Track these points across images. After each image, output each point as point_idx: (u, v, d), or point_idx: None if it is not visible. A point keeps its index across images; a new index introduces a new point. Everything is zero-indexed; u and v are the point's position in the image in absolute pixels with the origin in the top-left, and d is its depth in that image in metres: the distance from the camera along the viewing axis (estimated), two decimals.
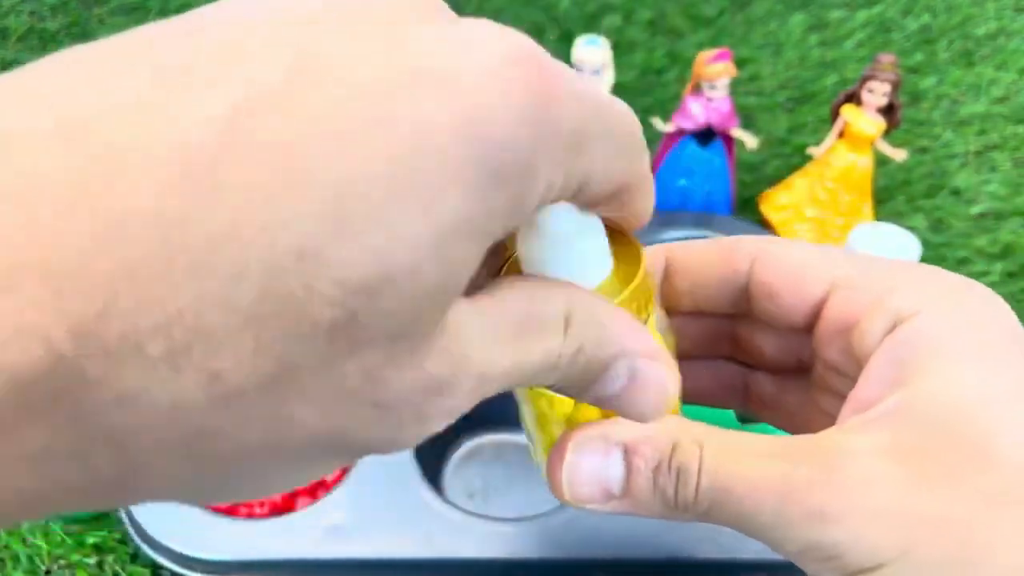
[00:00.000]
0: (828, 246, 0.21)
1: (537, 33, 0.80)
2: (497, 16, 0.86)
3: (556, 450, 0.19)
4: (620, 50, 0.78)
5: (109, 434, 0.11)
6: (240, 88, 0.11)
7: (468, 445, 0.46)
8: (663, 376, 0.16)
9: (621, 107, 0.15)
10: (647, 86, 0.74)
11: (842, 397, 0.19)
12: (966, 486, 0.17)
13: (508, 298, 0.14)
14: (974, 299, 0.19)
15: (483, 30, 0.13)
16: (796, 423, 0.23)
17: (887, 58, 0.52)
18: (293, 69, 0.11)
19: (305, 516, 0.39)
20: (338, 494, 0.39)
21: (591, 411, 0.19)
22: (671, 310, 0.22)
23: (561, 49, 0.77)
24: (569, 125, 0.13)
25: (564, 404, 0.19)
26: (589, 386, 0.16)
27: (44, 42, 0.75)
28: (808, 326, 0.21)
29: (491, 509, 0.43)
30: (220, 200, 0.11)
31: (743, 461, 0.18)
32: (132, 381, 0.11)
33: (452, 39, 0.13)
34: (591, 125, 0.14)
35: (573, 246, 0.16)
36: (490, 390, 0.14)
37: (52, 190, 0.10)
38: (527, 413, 0.21)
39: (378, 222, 0.11)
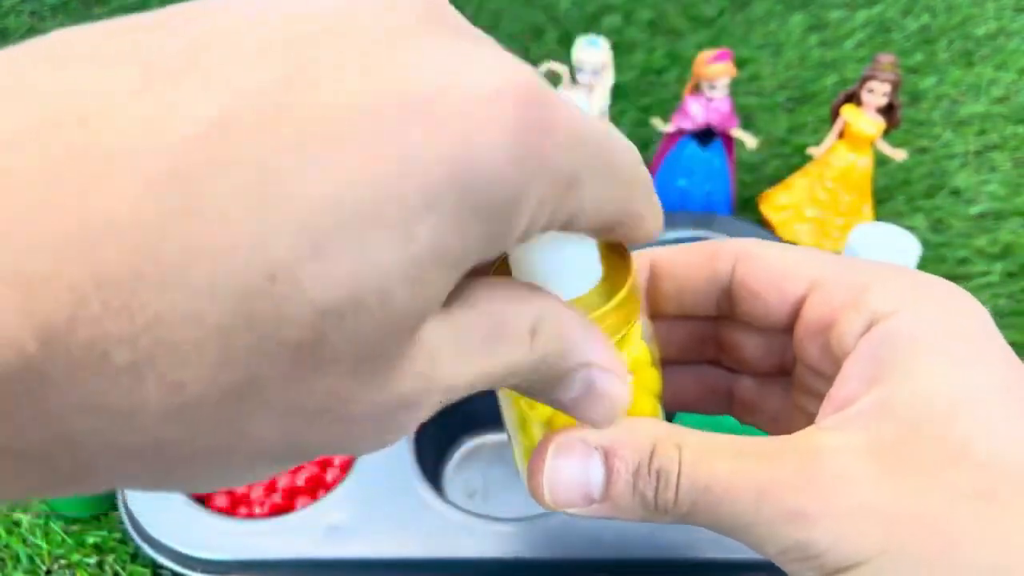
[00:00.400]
0: (809, 248, 0.22)
1: (537, 34, 0.80)
2: (497, 17, 0.87)
3: (536, 454, 0.19)
4: (620, 50, 0.78)
5: (70, 437, 0.11)
6: (228, 97, 0.11)
7: (468, 445, 0.46)
8: (617, 388, 0.17)
9: (621, 144, 0.15)
10: (647, 86, 0.74)
11: (821, 398, 0.20)
12: (942, 483, 0.17)
13: (480, 307, 0.14)
14: (950, 299, 0.19)
15: (482, 53, 0.13)
16: (779, 426, 0.23)
17: (887, 58, 0.52)
18: (283, 81, 0.11)
19: (305, 516, 0.39)
20: (338, 494, 0.39)
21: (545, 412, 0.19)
22: (657, 314, 0.23)
23: (561, 50, 0.77)
24: (562, 165, 0.13)
25: (544, 407, 0.19)
26: (547, 391, 0.17)
27: None
28: (789, 327, 0.21)
29: (491, 509, 0.43)
30: (197, 213, 0.11)
31: (722, 462, 0.18)
32: (95, 387, 0.11)
33: (449, 61, 0.12)
34: (587, 165, 0.13)
35: (561, 257, 0.17)
36: (455, 398, 0.14)
37: (28, 190, 0.10)
38: (507, 414, 0.21)
39: (352, 246, 0.11)
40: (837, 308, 0.20)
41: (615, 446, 0.18)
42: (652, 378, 0.20)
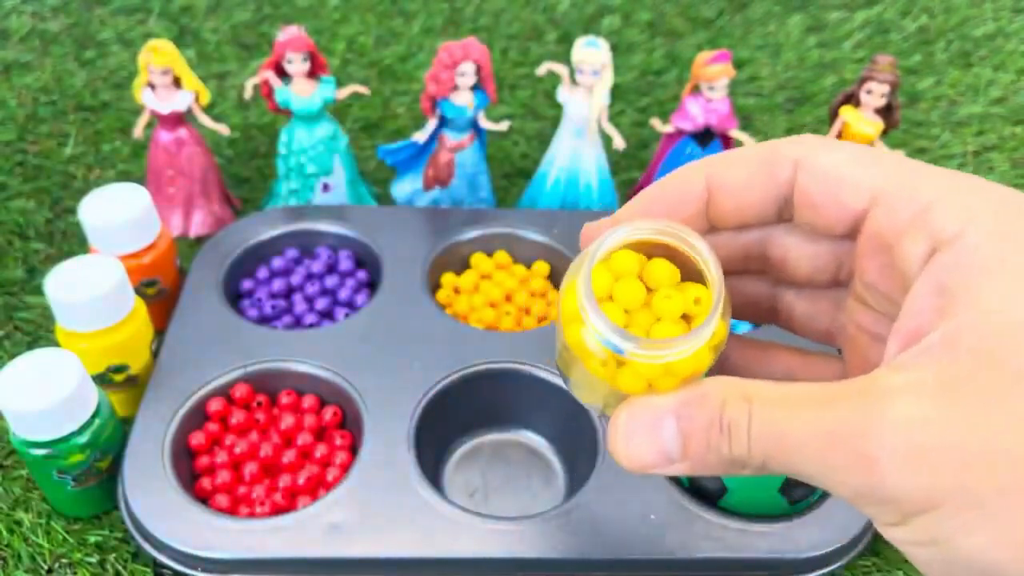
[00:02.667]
0: (875, 152, 0.20)
1: (537, 34, 0.80)
2: (497, 17, 0.87)
3: (614, 421, 0.20)
4: (619, 51, 0.78)
5: None
6: None
7: (468, 444, 0.46)
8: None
9: None
10: (646, 87, 0.74)
11: (881, 315, 0.19)
12: (1015, 415, 0.16)
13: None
14: (1021, 213, 0.18)
15: None
16: (833, 340, 0.23)
17: (885, 59, 0.52)
18: None
19: (306, 515, 0.39)
20: (339, 493, 0.39)
21: (638, 384, 0.20)
22: (715, 228, 0.22)
23: (560, 50, 0.77)
24: None
25: (624, 377, 0.20)
26: None
27: (46, 43, 0.75)
28: (849, 237, 0.20)
29: (491, 508, 0.43)
30: None
31: (790, 412, 0.18)
32: None
33: None
34: None
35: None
36: None
37: None
38: (584, 384, 0.21)
39: None
40: (900, 227, 0.19)
41: (687, 406, 0.19)
42: (719, 331, 0.20)
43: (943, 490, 0.16)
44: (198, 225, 0.58)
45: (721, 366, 0.23)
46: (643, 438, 0.19)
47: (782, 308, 0.24)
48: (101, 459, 0.40)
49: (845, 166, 0.20)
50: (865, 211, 0.20)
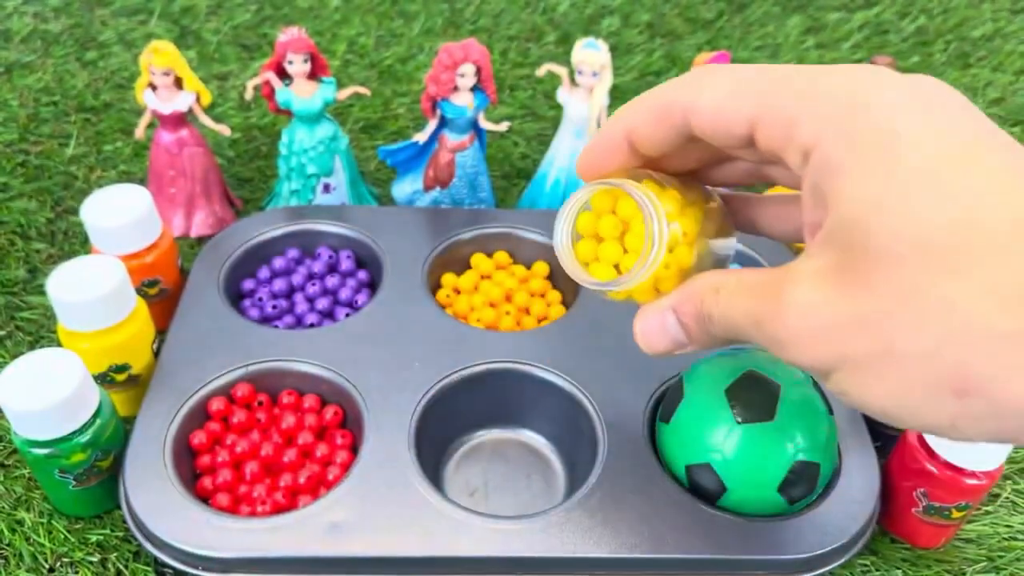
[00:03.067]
0: (751, 76, 0.23)
1: (536, 36, 0.80)
2: (497, 18, 0.87)
3: (635, 324, 0.27)
4: (619, 52, 0.78)
5: None
6: None
7: (468, 444, 0.47)
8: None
9: None
10: (646, 88, 0.74)
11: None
12: (879, 290, 0.20)
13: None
14: (867, 111, 0.21)
15: None
16: (800, 238, 0.27)
17: (884, 60, 0.52)
18: None
19: (307, 514, 0.39)
20: (339, 492, 0.40)
21: (645, 294, 0.27)
22: (661, 168, 0.28)
23: (560, 51, 0.77)
24: None
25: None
26: None
27: (47, 44, 0.75)
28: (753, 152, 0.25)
29: (491, 507, 0.43)
30: None
31: (735, 301, 0.23)
32: None
33: None
34: None
35: None
36: None
37: None
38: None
39: None
40: (777, 144, 0.23)
41: (680, 304, 0.25)
42: (675, 235, 0.26)
43: (835, 359, 0.21)
44: (199, 225, 0.58)
45: (751, 226, 0.30)
46: (655, 332, 0.26)
47: (761, 219, 0.29)
48: (102, 458, 0.40)
49: (724, 102, 0.23)
50: (751, 135, 0.23)
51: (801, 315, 0.21)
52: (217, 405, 0.44)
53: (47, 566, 0.41)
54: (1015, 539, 0.44)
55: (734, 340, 0.24)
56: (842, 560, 0.39)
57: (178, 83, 0.54)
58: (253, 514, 0.41)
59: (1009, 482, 0.46)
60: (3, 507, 0.43)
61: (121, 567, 0.41)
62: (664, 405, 0.42)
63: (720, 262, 0.29)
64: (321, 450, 0.44)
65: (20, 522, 0.42)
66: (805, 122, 0.21)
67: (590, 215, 0.27)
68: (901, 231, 0.19)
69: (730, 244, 0.30)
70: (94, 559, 0.41)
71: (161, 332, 0.48)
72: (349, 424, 0.45)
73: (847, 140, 0.21)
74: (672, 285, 0.26)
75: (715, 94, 0.23)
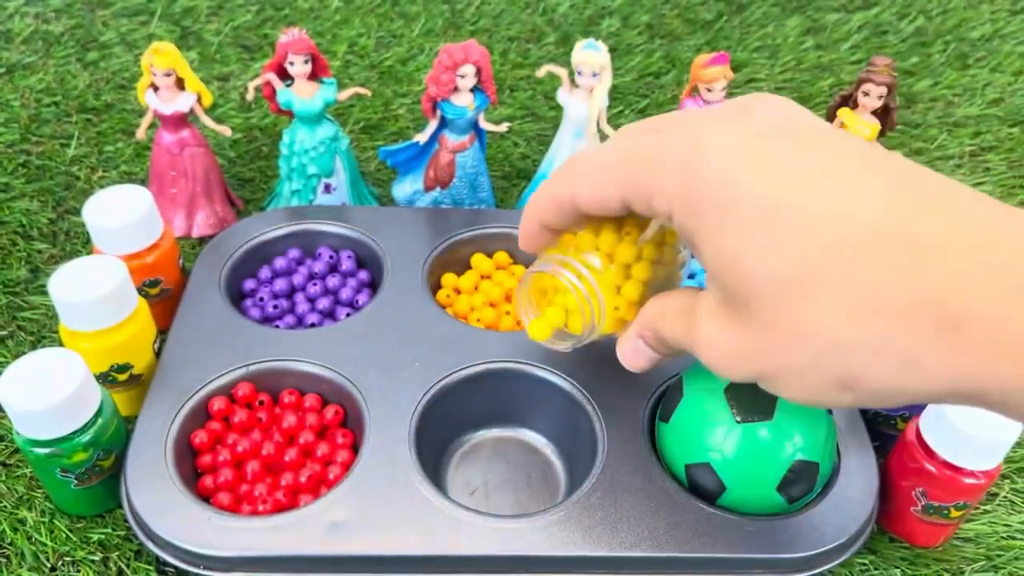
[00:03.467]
0: (619, 157, 0.27)
1: (536, 36, 0.80)
2: (497, 19, 0.87)
3: (617, 349, 0.33)
4: (618, 53, 0.78)
5: None
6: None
7: (469, 443, 0.47)
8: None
9: None
10: (645, 89, 0.74)
11: None
12: (757, 325, 0.24)
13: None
14: (700, 176, 0.25)
15: None
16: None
17: (882, 61, 0.52)
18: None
19: (308, 513, 0.39)
20: (340, 491, 0.40)
21: (616, 325, 0.34)
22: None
23: (560, 52, 0.78)
24: None
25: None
26: None
27: (48, 44, 0.75)
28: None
29: (492, 506, 0.44)
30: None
31: (675, 325, 0.29)
32: None
33: None
34: None
35: None
36: None
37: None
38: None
39: None
40: (650, 215, 0.27)
41: (642, 330, 0.31)
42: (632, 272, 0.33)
43: (749, 375, 0.26)
44: (200, 225, 0.58)
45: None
46: (631, 355, 0.31)
47: None
48: (104, 458, 0.40)
49: (597, 192, 0.28)
50: (627, 207, 0.28)
51: (710, 348, 0.26)
52: (218, 404, 0.44)
53: (49, 565, 0.41)
54: (1013, 538, 0.44)
55: (683, 354, 0.29)
56: (841, 559, 0.39)
57: (179, 84, 0.55)
58: (254, 513, 0.41)
59: (1007, 481, 0.46)
60: (5, 506, 0.43)
61: (123, 566, 0.41)
62: (664, 405, 0.42)
63: (671, 277, 0.34)
64: (322, 449, 0.44)
65: (22, 521, 0.42)
66: (657, 199, 0.25)
67: (546, 283, 0.34)
68: (754, 277, 0.23)
69: (680, 257, 0.35)
70: (96, 558, 0.41)
71: (162, 332, 0.48)
72: (350, 423, 0.45)
73: (691, 209, 0.24)
74: (633, 313, 0.31)
75: (587, 187, 0.28)
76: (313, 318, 0.51)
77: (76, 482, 0.40)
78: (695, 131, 0.25)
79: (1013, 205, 0.22)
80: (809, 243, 0.22)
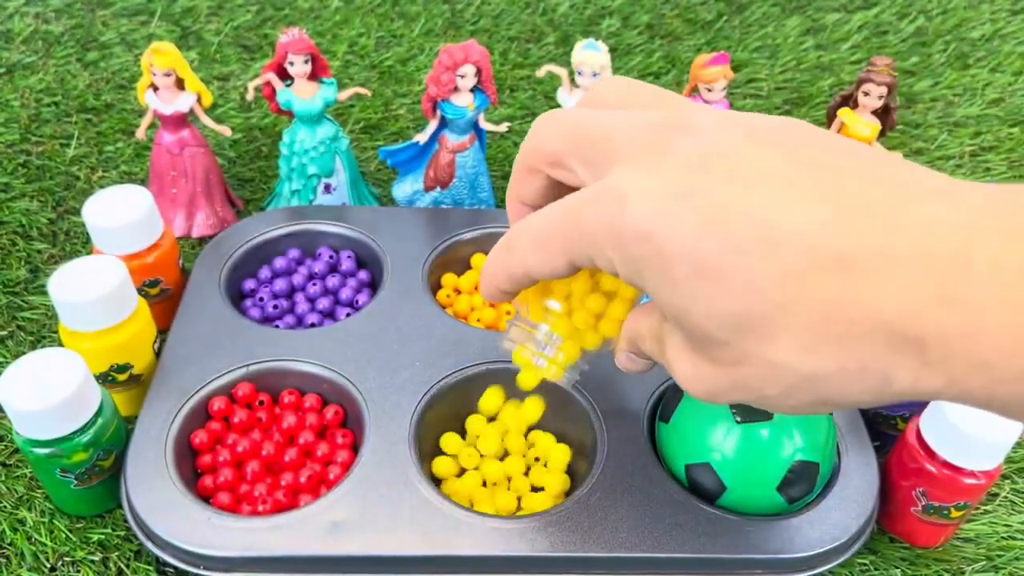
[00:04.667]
0: (550, 227, 0.26)
1: (536, 37, 0.80)
2: (497, 19, 0.87)
3: (615, 359, 0.32)
4: (619, 53, 0.78)
5: None
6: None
7: None
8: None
9: None
10: None
11: None
12: (725, 365, 0.24)
13: None
14: (628, 232, 0.24)
15: None
16: None
17: (883, 61, 0.52)
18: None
19: (308, 513, 0.39)
20: (340, 491, 0.40)
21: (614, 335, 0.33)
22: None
23: (560, 52, 0.78)
24: None
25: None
26: None
27: (48, 44, 0.75)
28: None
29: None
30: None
31: (652, 347, 0.29)
32: None
33: None
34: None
35: None
36: None
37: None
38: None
39: None
40: (598, 271, 0.30)
41: (628, 348, 0.30)
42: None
43: (725, 401, 0.26)
44: (200, 225, 0.58)
45: None
46: (627, 365, 0.31)
47: None
48: (104, 458, 0.40)
49: (548, 261, 0.27)
50: (579, 267, 0.27)
51: (686, 382, 0.26)
52: (218, 404, 0.44)
53: (49, 565, 0.41)
54: (1014, 538, 0.44)
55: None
56: (841, 559, 0.39)
57: (179, 84, 0.55)
58: (254, 513, 0.41)
59: (1008, 481, 0.46)
60: (5, 506, 0.43)
61: (122, 566, 0.41)
62: (664, 405, 0.42)
63: None
64: (322, 449, 0.44)
65: (22, 521, 0.42)
66: (600, 261, 0.25)
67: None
68: (707, 327, 0.23)
69: None
70: (96, 558, 0.41)
71: (162, 332, 0.48)
72: (350, 423, 0.45)
73: (632, 269, 0.24)
74: (616, 329, 0.31)
75: (535, 261, 0.27)
76: (313, 318, 0.51)
77: (76, 482, 0.40)
78: (617, 181, 0.24)
79: None
80: (753, 285, 0.22)
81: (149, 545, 0.39)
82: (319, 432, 0.45)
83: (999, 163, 0.68)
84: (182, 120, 0.56)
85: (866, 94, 0.53)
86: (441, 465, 0.43)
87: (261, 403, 0.45)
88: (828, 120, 0.56)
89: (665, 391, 0.44)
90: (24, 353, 0.43)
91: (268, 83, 0.54)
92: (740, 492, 0.39)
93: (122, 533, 0.42)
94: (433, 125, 0.55)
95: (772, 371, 0.23)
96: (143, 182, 0.61)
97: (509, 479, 0.44)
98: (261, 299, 0.52)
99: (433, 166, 0.57)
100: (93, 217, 0.46)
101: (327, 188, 0.57)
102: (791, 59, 0.79)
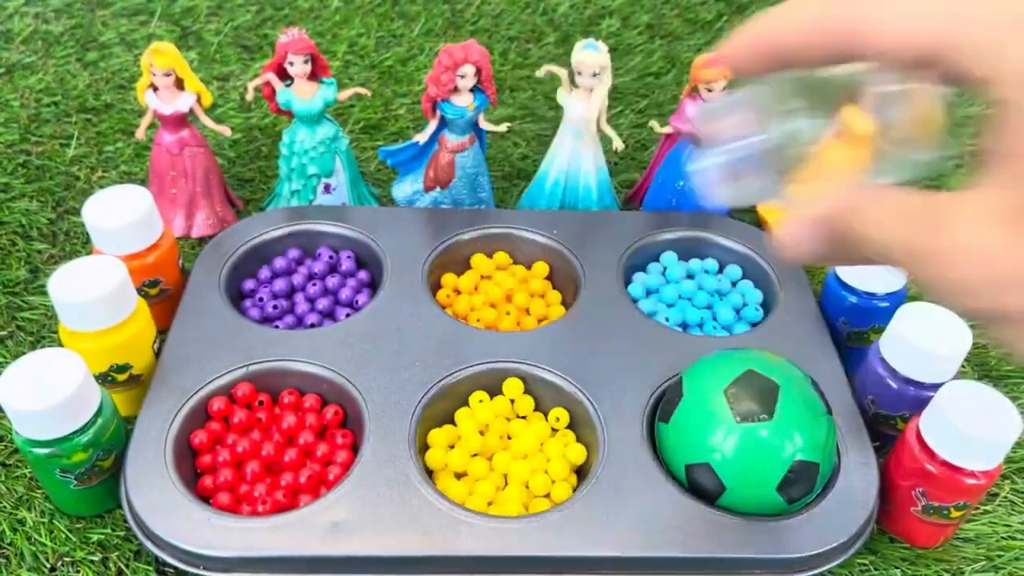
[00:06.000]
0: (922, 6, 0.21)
1: (536, 37, 0.80)
2: (497, 19, 0.87)
3: (780, 229, 0.24)
4: (618, 53, 0.78)
5: None
6: None
7: None
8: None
9: None
10: (645, 89, 0.74)
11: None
12: None
13: None
14: None
15: None
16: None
17: None
18: None
19: (307, 513, 0.39)
20: (340, 491, 0.40)
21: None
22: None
23: (560, 52, 0.78)
24: None
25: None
26: None
27: (48, 44, 0.75)
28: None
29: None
30: None
31: (895, 227, 0.20)
32: None
33: None
34: None
35: None
36: None
37: None
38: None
39: None
40: (973, 76, 0.20)
41: (828, 220, 0.22)
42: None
43: (1008, 312, 0.19)
44: (200, 226, 0.58)
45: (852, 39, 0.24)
46: (798, 241, 0.23)
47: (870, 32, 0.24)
48: (104, 458, 0.40)
49: (911, 25, 0.21)
50: (935, 57, 0.21)
51: (976, 262, 0.18)
52: (218, 405, 0.44)
53: (48, 565, 0.41)
54: (1013, 538, 0.44)
55: (882, 264, 0.21)
56: (841, 559, 0.39)
57: (179, 84, 0.55)
58: (254, 513, 0.41)
59: (1008, 482, 0.46)
60: (5, 506, 0.43)
61: (122, 566, 0.41)
62: (663, 405, 0.42)
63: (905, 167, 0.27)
64: (321, 449, 0.44)
65: (22, 521, 0.42)
66: (989, 56, 0.19)
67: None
68: None
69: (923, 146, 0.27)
70: (95, 558, 0.41)
71: (162, 332, 0.48)
72: (349, 424, 0.45)
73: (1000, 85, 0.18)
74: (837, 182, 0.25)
75: (891, 18, 0.21)
76: (313, 318, 0.51)
77: (76, 482, 0.40)
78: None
79: None
80: None
81: (149, 545, 0.39)
82: (319, 432, 0.45)
83: None
84: (182, 120, 0.56)
85: None
86: (437, 453, 0.44)
87: (261, 403, 0.45)
88: None
89: (665, 391, 0.44)
90: (24, 353, 0.43)
91: (268, 83, 0.54)
92: (740, 492, 0.39)
93: (122, 533, 0.42)
94: (433, 125, 0.55)
95: None
96: (143, 182, 0.61)
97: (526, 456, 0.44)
98: (261, 299, 0.52)
99: (433, 166, 0.57)
100: (93, 217, 0.46)
101: (327, 188, 0.57)
102: None
